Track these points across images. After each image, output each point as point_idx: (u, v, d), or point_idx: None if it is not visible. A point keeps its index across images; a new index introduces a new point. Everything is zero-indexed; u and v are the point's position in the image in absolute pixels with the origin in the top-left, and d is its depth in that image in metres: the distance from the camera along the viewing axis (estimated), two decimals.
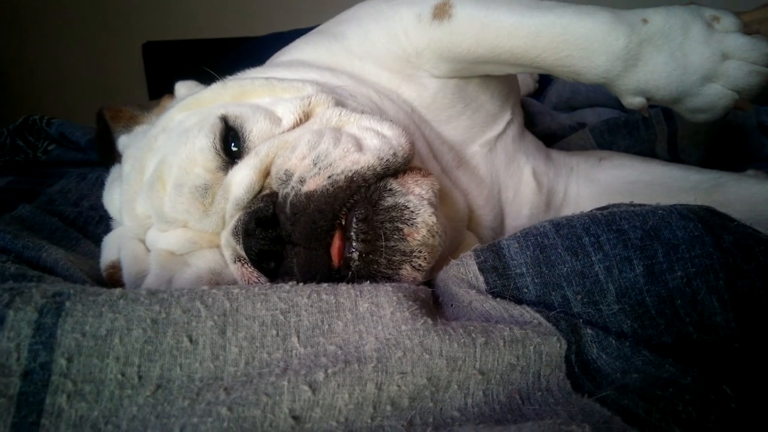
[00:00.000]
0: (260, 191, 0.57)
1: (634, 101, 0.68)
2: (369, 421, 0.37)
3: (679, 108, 0.69)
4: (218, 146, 0.58)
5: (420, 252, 0.53)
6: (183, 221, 0.59)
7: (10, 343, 0.39)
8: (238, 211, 0.57)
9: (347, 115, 0.61)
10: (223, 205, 0.58)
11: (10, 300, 0.40)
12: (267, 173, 0.58)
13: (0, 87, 3.00)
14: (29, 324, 0.39)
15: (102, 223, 0.85)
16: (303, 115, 0.61)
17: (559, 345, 0.42)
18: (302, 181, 0.54)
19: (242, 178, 0.57)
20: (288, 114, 0.61)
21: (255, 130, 0.59)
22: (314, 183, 0.53)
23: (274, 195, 0.56)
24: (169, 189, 0.58)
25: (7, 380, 0.37)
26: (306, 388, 0.37)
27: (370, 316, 0.43)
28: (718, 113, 0.66)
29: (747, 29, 0.63)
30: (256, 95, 0.66)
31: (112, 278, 0.64)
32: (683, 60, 0.63)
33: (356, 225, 0.52)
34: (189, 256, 0.59)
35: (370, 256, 0.52)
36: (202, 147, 0.58)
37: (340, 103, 0.64)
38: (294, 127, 0.61)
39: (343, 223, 0.53)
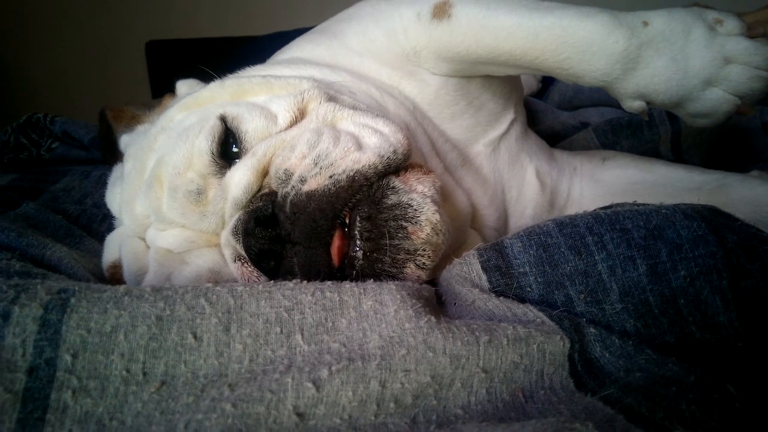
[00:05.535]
0: (259, 191, 0.58)
1: (633, 105, 0.68)
2: (373, 418, 0.37)
3: (679, 112, 0.68)
4: (215, 150, 0.58)
5: (424, 250, 0.53)
6: (181, 222, 0.59)
7: (15, 339, 0.39)
8: (237, 210, 0.57)
9: (340, 110, 0.61)
10: (222, 205, 0.58)
11: (15, 296, 0.40)
12: (265, 173, 0.58)
13: (3, 85, 3.01)
14: (34, 320, 0.40)
15: (105, 221, 0.85)
16: (298, 111, 0.61)
17: (562, 344, 0.42)
18: (303, 181, 0.54)
19: (240, 178, 0.57)
20: (282, 111, 0.61)
21: (250, 130, 0.59)
22: (315, 182, 0.53)
23: (273, 194, 0.56)
24: (165, 192, 0.59)
25: (12, 376, 0.38)
26: (310, 385, 0.37)
27: (373, 314, 0.43)
28: (720, 118, 0.65)
29: (751, 32, 0.62)
30: (253, 93, 0.66)
31: (114, 277, 0.64)
32: (684, 63, 0.63)
33: (360, 224, 0.52)
34: (187, 255, 0.59)
35: (375, 254, 0.52)
36: (201, 150, 0.58)
37: (333, 99, 0.64)
38: (291, 125, 0.61)
39: (346, 221, 0.53)
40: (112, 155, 0.82)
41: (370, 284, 0.47)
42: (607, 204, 0.57)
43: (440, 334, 0.41)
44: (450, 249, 0.58)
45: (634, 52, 0.63)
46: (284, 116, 0.61)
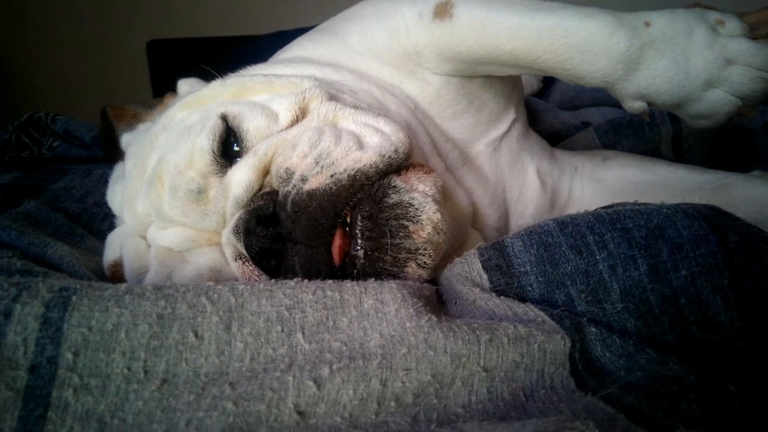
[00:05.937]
0: (260, 189, 0.58)
1: (635, 105, 0.68)
2: (373, 417, 0.37)
3: (681, 113, 0.68)
4: (216, 149, 0.59)
5: (425, 249, 0.53)
6: (182, 221, 0.59)
7: (17, 337, 0.39)
8: (238, 209, 0.57)
9: (342, 109, 0.61)
10: (223, 204, 0.58)
11: (17, 294, 0.41)
12: (266, 172, 0.58)
13: (5, 84, 3.01)
14: (36, 318, 0.40)
15: (106, 219, 0.85)
16: (299, 110, 0.61)
17: (563, 343, 0.42)
18: (304, 180, 0.54)
19: (241, 177, 0.57)
20: (284, 110, 0.61)
21: (252, 128, 0.59)
22: (317, 181, 0.53)
23: (274, 193, 0.56)
24: (166, 190, 0.59)
25: (14, 374, 0.38)
26: (311, 383, 0.37)
27: (374, 313, 0.43)
28: (721, 119, 0.65)
29: (752, 33, 0.62)
30: (254, 92, 0.66)
31: (115, 276, 0.64)
32: (686, 65, 0.63)
33: (361, 223, 0.52)
34: (188, 253, 0.59)
35: (376, 253, 0.52)
36: (202, 148, 0.58)
37: (334, 98, 0.64)
38: (292, 124, 0.61)
39: (347, 220, 0.53)
40: (114, 154, 0.82)
41: (371, 283, 0.47)
42: (608, 203, 0.57)
43: (441, 333, 0.41)
44: (451, 248, 0.58)
45: (636, 53, 0.63)
46: (285, 115, 0.61)
